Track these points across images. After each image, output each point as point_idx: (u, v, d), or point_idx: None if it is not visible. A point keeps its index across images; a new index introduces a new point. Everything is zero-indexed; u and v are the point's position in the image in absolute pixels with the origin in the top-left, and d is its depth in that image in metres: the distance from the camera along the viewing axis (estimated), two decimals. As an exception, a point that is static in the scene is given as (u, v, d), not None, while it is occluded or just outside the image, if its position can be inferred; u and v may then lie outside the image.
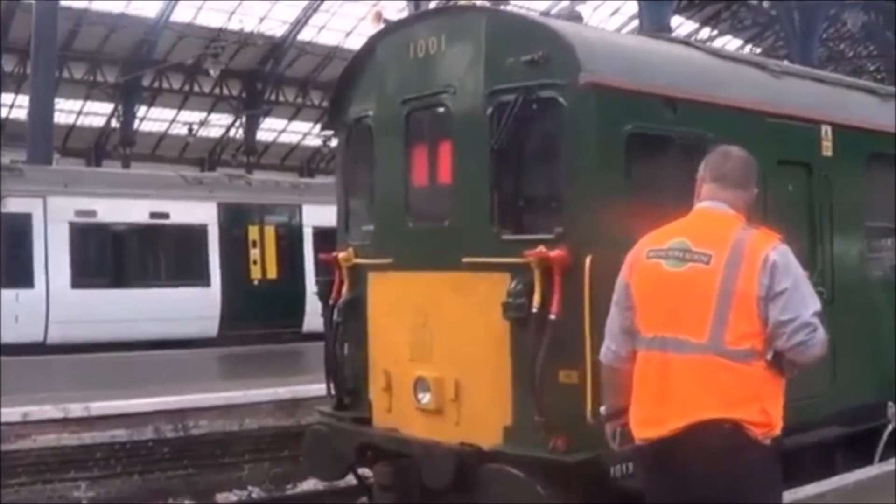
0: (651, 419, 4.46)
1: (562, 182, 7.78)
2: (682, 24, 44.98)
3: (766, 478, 4.41)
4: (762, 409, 4.34)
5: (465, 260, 7.99)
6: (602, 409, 5.02)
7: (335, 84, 9.91)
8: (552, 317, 7.32)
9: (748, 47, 47.39)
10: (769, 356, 4.37)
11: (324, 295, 9.50)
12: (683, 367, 4.37)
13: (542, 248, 7.42)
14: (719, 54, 9.96)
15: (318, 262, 22.87)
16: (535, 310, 7.41)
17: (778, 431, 4.43)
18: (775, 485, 4.58)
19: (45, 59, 26.62)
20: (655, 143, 7.99)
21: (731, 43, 47.63)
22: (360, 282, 9.15)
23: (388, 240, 8.90)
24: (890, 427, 9.52)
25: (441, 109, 8.53)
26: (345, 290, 9.24)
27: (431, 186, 8.67)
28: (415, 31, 8.87)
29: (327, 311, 9.42)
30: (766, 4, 43.30)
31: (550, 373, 7.36)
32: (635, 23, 40.18)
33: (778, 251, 4.44)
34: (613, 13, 46.63)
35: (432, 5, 27.17)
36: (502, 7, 10.36)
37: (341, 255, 9.27)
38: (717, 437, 4.28)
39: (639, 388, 4.58)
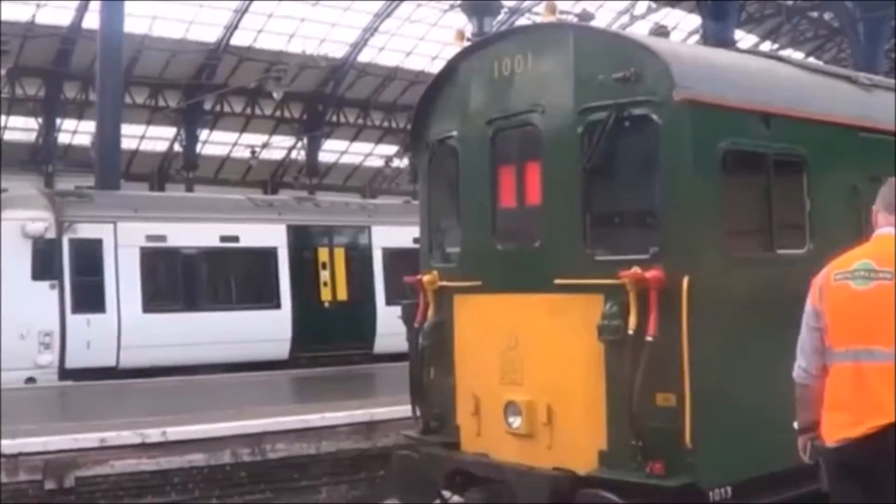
0: (847, 422, 4.94)
1: (656, 201, 7.65)
2: (742, 38, 44.46)
3: None
4: None
5: (557, 281, 7.87)
6: (795, 423, 5.45)
7: (416, 104, 9.80)
8: (649, 338, 7.21)
9: (810, 59, 46.74)
10: None
11: (408, 318, 9.40)
12: (877, 374, 4.88)
13: (636, 269, 7.29)
14: (808, 68, 9.78)
15: (388, 284, 23.19)
16: (631, 332, 7.28)
17: None
18: None
19: (111, 85, 26.84)
20: (749, 159, 7.85)
21: (792, 56, 46.96)
22: (445, 305, 9.05)
23: (476, 262, 8.79)
24: None
25: (529, 129, 8.40)
26: (430, 313, 9.15)
27: (520, 207, 8.55)
28: (499, 50, 8.77)
29: (412, 335, 9.32)
30: (827, 16, 42.74)
31: (647, 396, 7.23)
32: (694, 38, 39.94)
33: None
34: (673, 28, 46.24)
35: (495, 23, 27.16)
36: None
37: (426, 277, 9.18)
38: None
39: (833, 395, 5.08)
